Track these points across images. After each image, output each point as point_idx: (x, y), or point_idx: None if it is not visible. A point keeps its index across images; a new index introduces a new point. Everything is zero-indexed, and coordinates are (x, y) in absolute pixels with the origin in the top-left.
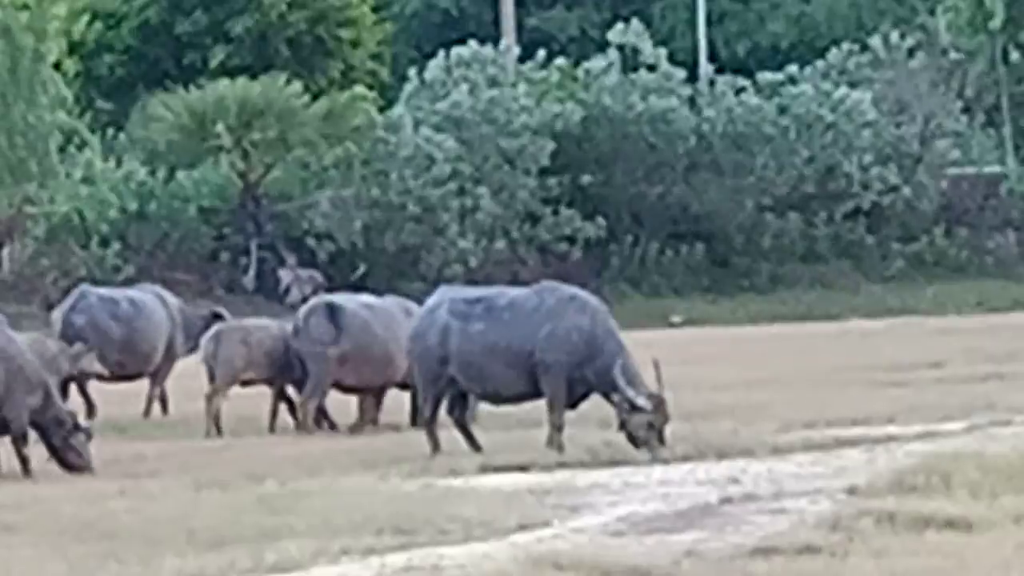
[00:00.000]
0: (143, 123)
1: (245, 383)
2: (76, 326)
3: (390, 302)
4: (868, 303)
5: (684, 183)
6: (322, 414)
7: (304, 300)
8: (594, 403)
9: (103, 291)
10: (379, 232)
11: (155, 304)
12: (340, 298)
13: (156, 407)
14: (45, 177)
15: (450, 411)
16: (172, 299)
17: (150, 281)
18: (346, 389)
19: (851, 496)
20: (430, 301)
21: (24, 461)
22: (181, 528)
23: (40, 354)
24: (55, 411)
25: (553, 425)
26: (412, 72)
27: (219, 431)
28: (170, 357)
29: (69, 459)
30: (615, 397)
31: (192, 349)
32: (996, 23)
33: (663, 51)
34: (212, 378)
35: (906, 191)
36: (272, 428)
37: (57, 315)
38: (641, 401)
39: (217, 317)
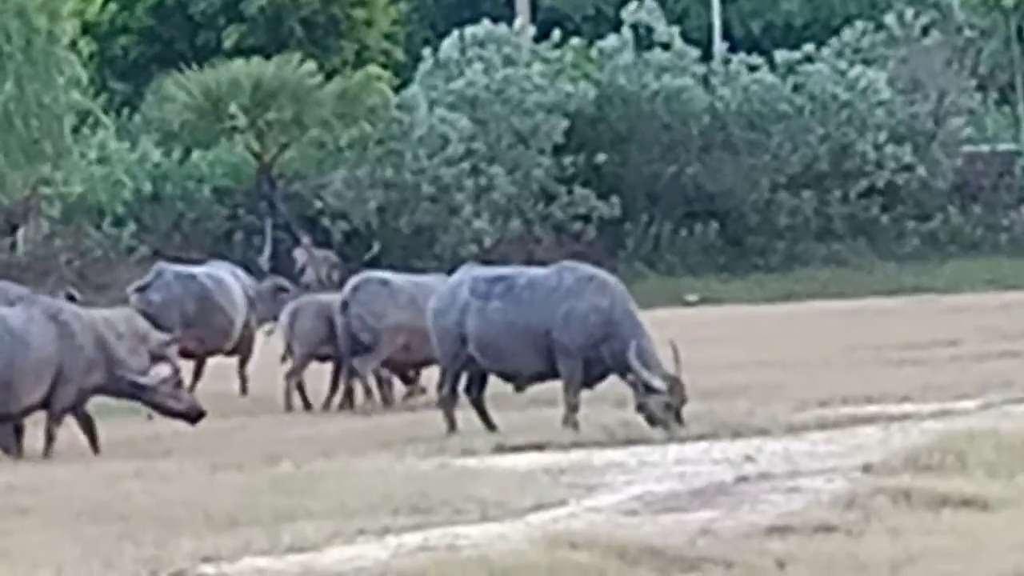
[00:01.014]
0: (157, 104)
1: (322, 358)
2: (153, 303)
3: (432, 279)
4: (883, 281)
5: (698, 162)
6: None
7: (319, 280)
8: (609, 382)
9: (179, 268)
10: (394, 212)
11: (230, 279)
12: (387, 274)
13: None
14: (60, 158)
15: (467, 390)
16: (243, 274)
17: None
18: (395, 364)
19: (866, 475)
20: (452, 279)
21: (50, 439)
22: (197, 510)
23: (134, 330)
24: (131, 381)
25: (568, 405)
26: (426, 52)
27: (307, 405)
28: (248, 333)
29: (174, 410)
30: (631, 378)
31: (261, 323)
32: (1010, 1)
33: (677, 30)
34: (290, 351)
35: (920, 169)
36: (344, 405)
37: (133, 293)
38: (657, 382)
39: (281, 290)
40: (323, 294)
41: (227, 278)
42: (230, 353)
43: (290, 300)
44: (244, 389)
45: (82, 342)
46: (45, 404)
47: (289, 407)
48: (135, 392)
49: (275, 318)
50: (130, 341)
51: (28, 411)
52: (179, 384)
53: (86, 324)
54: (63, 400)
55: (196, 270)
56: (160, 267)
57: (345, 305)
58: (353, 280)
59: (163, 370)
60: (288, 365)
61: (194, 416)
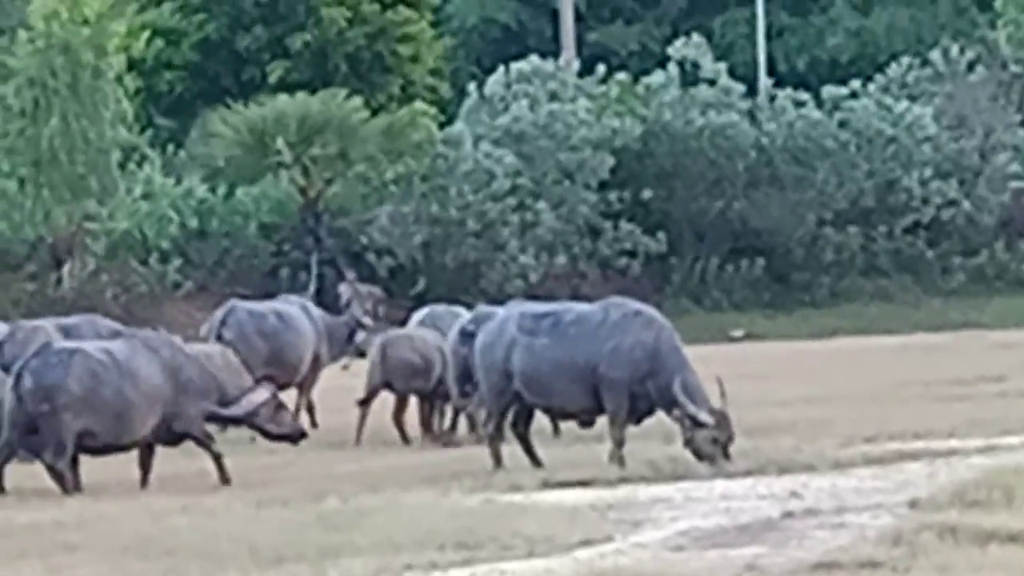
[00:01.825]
0: (203, 139)
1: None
2: (225, 340)
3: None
4: (929, 317)
5: (744, 198)
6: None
7: (366, 315)
8: (655, 418)
9: (251, 305)
10: (439, 248)
11: (300, 316)
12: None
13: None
14: (105, 193)
15: (514, 425)
16: (316, 310)
17: (210, 297)
18: None
19: (913, 510)
20: (499, 315)
21: (219, 465)
22: (243, 545)
23: (228, 364)
24: (235, 411)
25: (614, 440)
26: (472, 87)
27: (405, 439)
28: (316, 367)
29: (276, 433)
30: (677, 413)
31: (336, 357)
32: None
33: (723, 66)
34: (377, 385)
35: (966, 205)
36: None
37: (206, 330)
38: (703, 416)
39: (360, 326)
40: (403, 329)
41: (297, 314)
42: (299, 387)
43: (375, 335)
44: (313, 422)
45: (189, 374)
46: (157, 437)
47: (404, 437)
48: (239, 420)
49: (360, 354)
50: (227, 375)
51: (138, 443)
52: (279, 407)
53: (189, 356)
54: (193, 426)
55: (267, 307)
56: (232, 304)
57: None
58: (473, 314)
59: (260, 395)
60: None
61: (296, 438)
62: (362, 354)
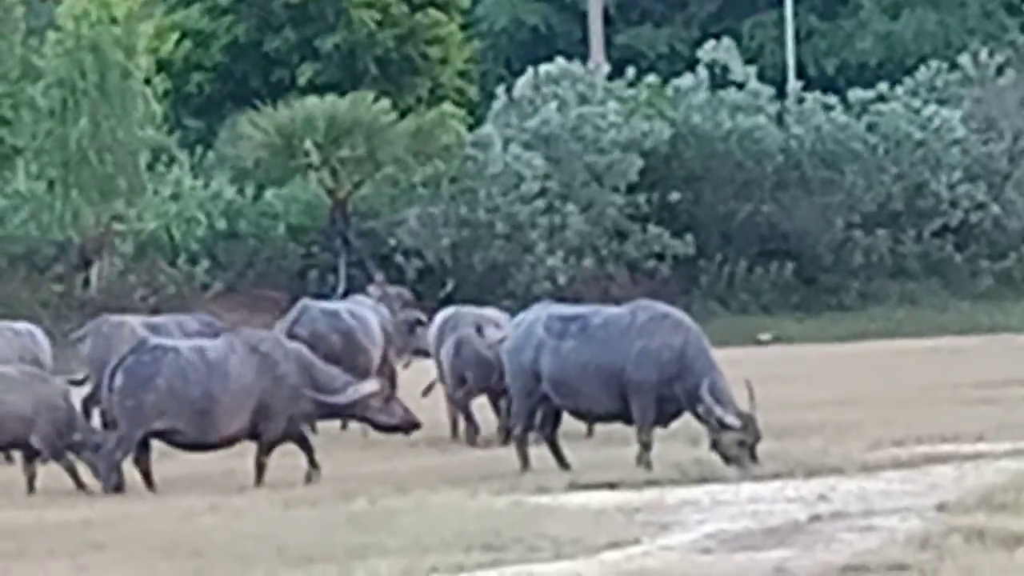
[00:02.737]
0: (232, 141)
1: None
2: (299, 338)
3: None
4: (957, 320)
5: (772, 201)
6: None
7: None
8: (682, 420)
9: (324, 304)
10: (467, 250)
11: (371, 315)
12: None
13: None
14: (134, 194)
15: (541, 428)
16: (383, 309)
17: (238, 298)
18: None
19: (941, 513)
20: (528, 317)
21: (260, 469)
22: (271, 545)
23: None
24: (338, 403)
25: (642, 443)
26: (500, 90)
27: (477, 430)
28: (388, 367)
29: (388, 424)
30: (704, 415)
31: (399, 355)
32: None
33: (752, 69)
34: (460, 382)
35: (995, 208)
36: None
37: (280, 329)
38: (730, 419)
39: (419, 323)
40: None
41: (368, 314)
42: None
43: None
44: (344, 423)
45: (285, 371)
46: (250, 435)
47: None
48: (347, 412)
49: (422, 352)
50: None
51: (228, 441)
52: (390, 398)
53: (289, 353)
54: (271, 431)
55: (339, 306)
56: (305, 303)
57: None
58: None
59: (369, 385)
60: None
61: (408, 428)
62: (419, 352)
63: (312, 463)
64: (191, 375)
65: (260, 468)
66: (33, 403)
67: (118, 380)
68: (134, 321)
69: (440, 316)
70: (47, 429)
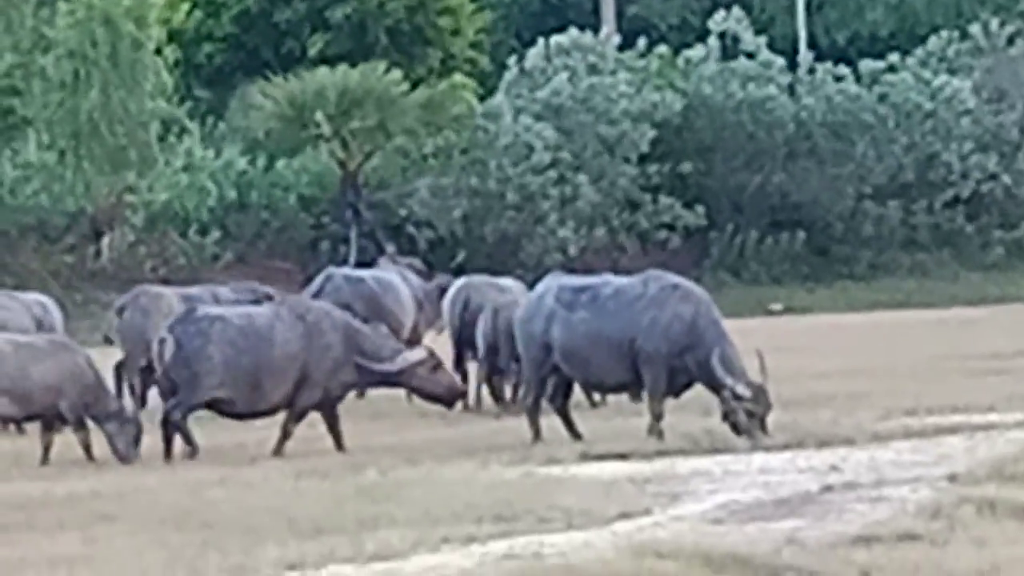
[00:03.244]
0: (242, 112)
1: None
2: None
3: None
4: (968, 291)
5: (783, 171)
6: None
7: None
8: (694, 391)
9: (348, 271)
10: (479, 220)
11: (398, 282)
12: None
13: None
14: (145, 165)
15: (552, 399)
16: (413, 277)
17: (249, 269)
18: None
19: (951, 484)
20: (539, 287)
21: (284, 437)
22: (281, 517)
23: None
24: (385, 371)
25: (653, 413)
26: (512, 60)
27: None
28: (417, 335)
29: (434, 393)
30: (715, 386)
31: (431, 323)
32: None
33: (763, 39)
34: (493, 351)
35: (1006, 179)
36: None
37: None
38: (741, 389)
39: (444, 290)
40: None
41: (395, 280)
42: None
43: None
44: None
45: (330, 340)
46: (292, 403)
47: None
48: (393, 380)
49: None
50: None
51: (274, 410)
52: (436, 367)
53: (336, 322)
54: (307, 400)
55: (365, 273)
56: (330, 271)
57: None
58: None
59: (416, 352)
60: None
61: (453, 397)
62: None
63: (337, 438)
64: (241, 343)
65: (285, 436)
66: (59, 372)
67: (169, 350)
68: (172, 292)
69: (456, 285)
70: (75, 398)
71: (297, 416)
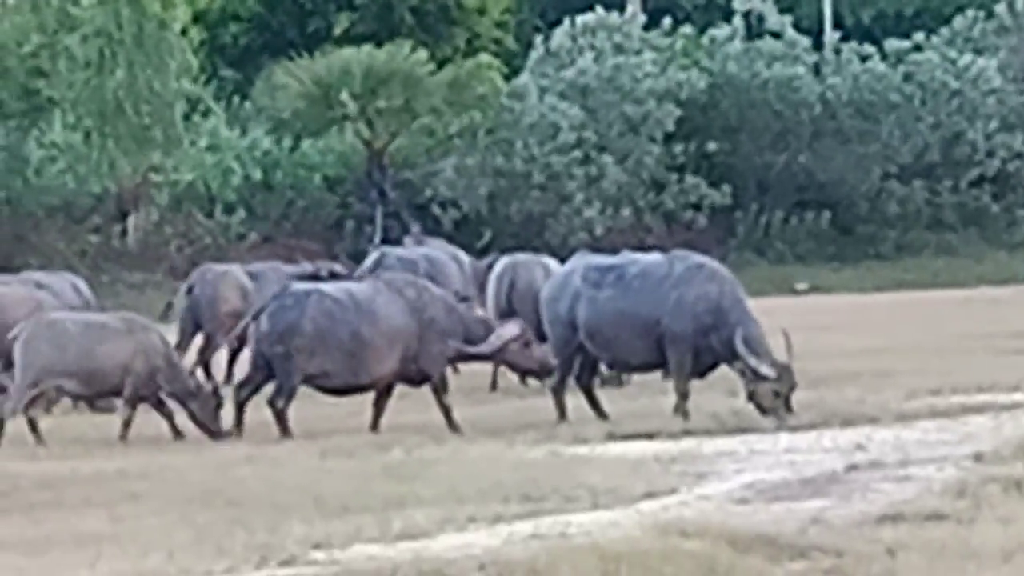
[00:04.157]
0: (268, 92)
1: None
2: None
3: None
4: (994, 270)
5: (809, 151)
6: None
7: None
8: (720, 371)
9: (401, 251)
10: (504, 200)
11: (449, 261)
12: None
13: None
14: (170, 145)
15: (578, 378)
16: (463, 255)
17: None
18: None
19: (977, 463)
20: (565, 267)
21: (447, 413)
22: (308, 495)
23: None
24: (484, 348)
25: (679, 392)
26: (537, 40)
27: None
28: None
29: (526, 368)
30: (739, 366)
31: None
32: None
33: (788, 18)
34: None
35: None
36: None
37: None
38: (765, 369)
39: (491, 268)
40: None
41: (447, 260)
42: None
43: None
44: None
45: (433, 315)
46: (399, 377)
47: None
48: (487, 357)
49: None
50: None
51: (378, 383)
52: (528, 343)
53: (435, 297)
54: (434, 368)
55: (415, 253)
56: (382, 250)
57: None
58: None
59: (510, 329)
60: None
61: (544, 373)
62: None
63: (448, 416)
64: (339, 316)
65: (447, 410)
66: (130, 351)
67: (263, 326)
68: (238, 269)
69: (501, 263)
70: (143, 376)
71: (442, 389)
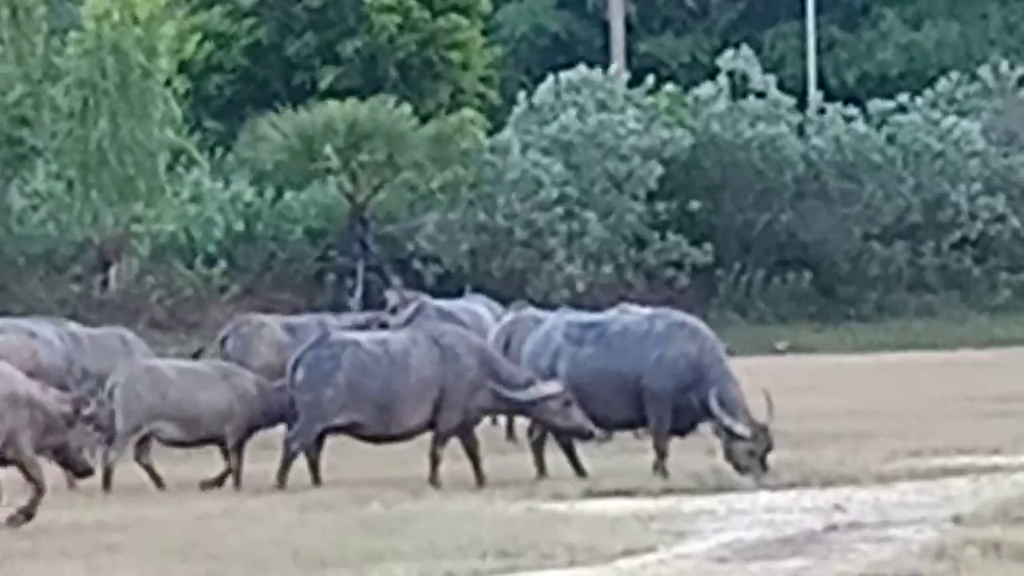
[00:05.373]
0: (251, 144)
1: None
2: None
3: None
4: (975, 333)
5: (792, 210)
6: None
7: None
8: (699, 430)
9: (441, 303)
10: (485, 256)
11: (486, 314)
12: None
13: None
14: (152, 196)
15: (558, 435)
16: (497, 307)
17: (255, 301)
18: None
19: (956, 525)
20: (547, 322)
21: (434, 463)
22: (286, 549)
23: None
24: (518, 399)
25: (658, 451)
26: (521, 95)
27: None
28: None
29: (564, 427)
30: (715, 424)
31: None
32: None
33: (772, 78)
34: None
35: (1014, 221)
36: None
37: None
38: (739, 428)
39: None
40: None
41: (483, 312)
42: None
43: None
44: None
45: (467, 364)
46: (430, 427)
47: None
48: (524, 410)
49: None
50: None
51: (410, 434)
52: (568, 402)
53: (472, 346)
54: (448, 422)
55: (454, 304)
56: (422, 301)
57: None
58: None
59: (552, 385)
60: None
61: (584, 435)
62: None
63: (476, 467)
64: (372, 368)
65: (435, 461)
66: (228, 397)
67: (299, 375)
68: (274, 322)
69: (505, 319)
70: (241, 423)
71: (441, 440)
